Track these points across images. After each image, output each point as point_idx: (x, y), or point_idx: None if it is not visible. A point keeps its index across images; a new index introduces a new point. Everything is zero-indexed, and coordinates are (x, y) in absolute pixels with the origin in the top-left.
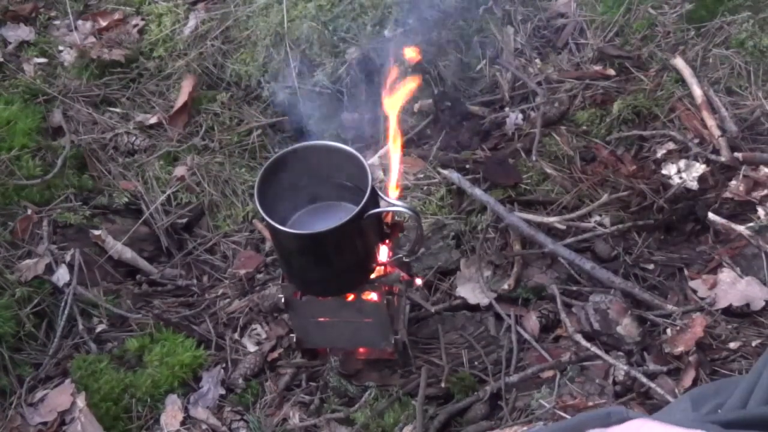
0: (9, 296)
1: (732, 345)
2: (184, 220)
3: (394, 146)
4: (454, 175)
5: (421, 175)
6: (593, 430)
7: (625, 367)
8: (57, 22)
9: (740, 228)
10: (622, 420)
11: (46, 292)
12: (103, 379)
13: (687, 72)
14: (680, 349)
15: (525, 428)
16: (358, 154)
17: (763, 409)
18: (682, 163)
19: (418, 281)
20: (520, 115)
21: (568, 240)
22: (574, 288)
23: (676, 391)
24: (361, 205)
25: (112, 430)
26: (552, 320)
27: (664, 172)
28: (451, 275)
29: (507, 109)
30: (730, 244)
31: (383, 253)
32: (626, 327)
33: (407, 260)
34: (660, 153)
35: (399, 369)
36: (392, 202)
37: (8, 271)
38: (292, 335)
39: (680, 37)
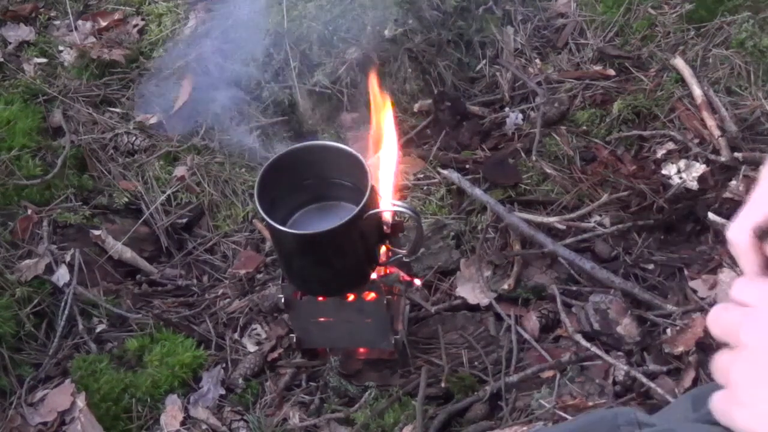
0: (9, 296)
1: None
2: (184, 220)
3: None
4: (454, 175)
5: (421, 175)
6: None
7: (625, 367)
8: (57, 22)
9: None
10: (630, 423)
11: (46, 292)
12: (103, 379)
13: (687, 72)
14: (680, 349)
15: (525, 428)
16: (358, 154)
17: None
18: (682, 163)
19: (418, 281)
20: (520, 115)
21: (568, 240)
22: (574, 288)
23: (676, 391)
24: (361, 205)
25: (112, 430)
26: (552, 320)
27: (664, 172)
28: (451, 275)
29: (507, 109)
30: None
31: (383, 253)
32: (626, 327)
33: (407, 260)
34: (660, 153)
35: (399, 369)
36: (392, 201)
37: (8, 271)
38: (292, 335)
39: (680, 37)
